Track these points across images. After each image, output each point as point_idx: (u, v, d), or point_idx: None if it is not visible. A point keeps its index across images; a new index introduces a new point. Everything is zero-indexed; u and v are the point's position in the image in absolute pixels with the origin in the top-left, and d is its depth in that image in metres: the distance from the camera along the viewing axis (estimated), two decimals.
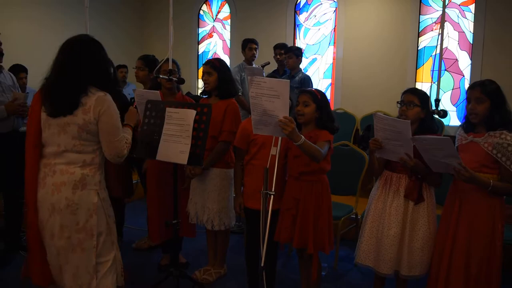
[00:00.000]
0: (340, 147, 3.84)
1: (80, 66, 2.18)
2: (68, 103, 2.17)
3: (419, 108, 2.52)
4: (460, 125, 2.56)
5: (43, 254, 2.28)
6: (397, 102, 2.60)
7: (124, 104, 2.85)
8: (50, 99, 2.22)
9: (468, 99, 2.40)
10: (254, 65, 5.12)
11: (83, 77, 2.18)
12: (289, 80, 2.23)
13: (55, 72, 2.22)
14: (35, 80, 2.28)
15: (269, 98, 2.21)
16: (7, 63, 5.19)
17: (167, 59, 3.16)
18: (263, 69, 4.81)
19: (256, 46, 5.11)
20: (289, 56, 4.88)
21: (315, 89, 2.76)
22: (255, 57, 5.11)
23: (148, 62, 3.76)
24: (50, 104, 2.22)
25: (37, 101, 2.28)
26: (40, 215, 2.25)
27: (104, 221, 2.30)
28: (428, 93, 2.64)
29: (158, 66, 3.21)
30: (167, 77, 3.14)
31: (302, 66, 5.33)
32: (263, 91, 2.21)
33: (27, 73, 5.27)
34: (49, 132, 2.23)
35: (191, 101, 3.32)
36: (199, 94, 5.41)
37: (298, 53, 4.95)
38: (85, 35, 2.32)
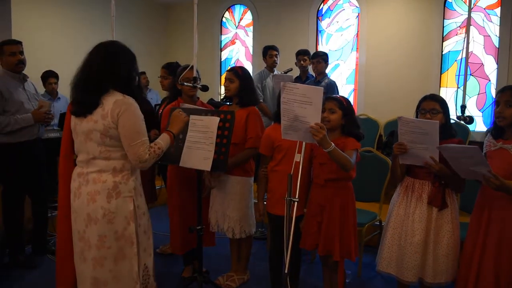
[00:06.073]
0: (364, 153, 3.81)
1: (104, 67, 2.18)
2: (88, 101, 2.17)
3: (442, 114, 2.51)
4: (488, 131, 2.52)
5: (72, 263, 2.33)
6: (417, 110, 2.58)
7: (147, 110, 2.88)
8: (74, 97, 2.24)
9: (497, 103, 2.36)
10: (275, 72, 5.14)
11: (105, 77, 2.18)
12: (322, 88, 2.23)
13: (81, 72, 2.23)
14: (67, 86, 2.34)
15: (301, 104, 2.23)
16: (39, 71, 5.35)
17: (192, 67, 3.20)
18: (291, 76, 4.84)
19: (277, 53, 5.11)
20: (318, 61, 4.89)
21: (340, 96, 2.76)
22: (276, 63, 5.12)
23: (171, 70, 3.78)
24: (74, 102, 2.25)
25: (69, 110, 2.33)
26: (77, 226, 2.26)
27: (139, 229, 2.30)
28: (453, 98, 2.62)
29: (182, 74, 3.22)
30: (191, 84, 3.17)
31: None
32: (295, 97, 2.23)
33: (57, 79, 5.40)
34: (78, 140, 2.27)
35: (211, 108, 3.34)
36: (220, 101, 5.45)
37: (325, 58, 4.96)
38: (114, 41, 2.32)
